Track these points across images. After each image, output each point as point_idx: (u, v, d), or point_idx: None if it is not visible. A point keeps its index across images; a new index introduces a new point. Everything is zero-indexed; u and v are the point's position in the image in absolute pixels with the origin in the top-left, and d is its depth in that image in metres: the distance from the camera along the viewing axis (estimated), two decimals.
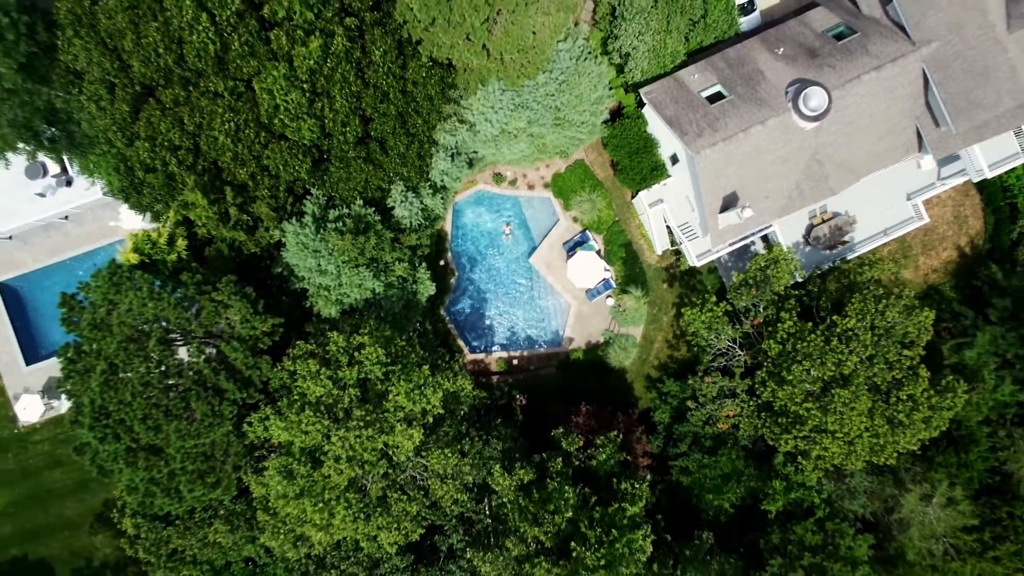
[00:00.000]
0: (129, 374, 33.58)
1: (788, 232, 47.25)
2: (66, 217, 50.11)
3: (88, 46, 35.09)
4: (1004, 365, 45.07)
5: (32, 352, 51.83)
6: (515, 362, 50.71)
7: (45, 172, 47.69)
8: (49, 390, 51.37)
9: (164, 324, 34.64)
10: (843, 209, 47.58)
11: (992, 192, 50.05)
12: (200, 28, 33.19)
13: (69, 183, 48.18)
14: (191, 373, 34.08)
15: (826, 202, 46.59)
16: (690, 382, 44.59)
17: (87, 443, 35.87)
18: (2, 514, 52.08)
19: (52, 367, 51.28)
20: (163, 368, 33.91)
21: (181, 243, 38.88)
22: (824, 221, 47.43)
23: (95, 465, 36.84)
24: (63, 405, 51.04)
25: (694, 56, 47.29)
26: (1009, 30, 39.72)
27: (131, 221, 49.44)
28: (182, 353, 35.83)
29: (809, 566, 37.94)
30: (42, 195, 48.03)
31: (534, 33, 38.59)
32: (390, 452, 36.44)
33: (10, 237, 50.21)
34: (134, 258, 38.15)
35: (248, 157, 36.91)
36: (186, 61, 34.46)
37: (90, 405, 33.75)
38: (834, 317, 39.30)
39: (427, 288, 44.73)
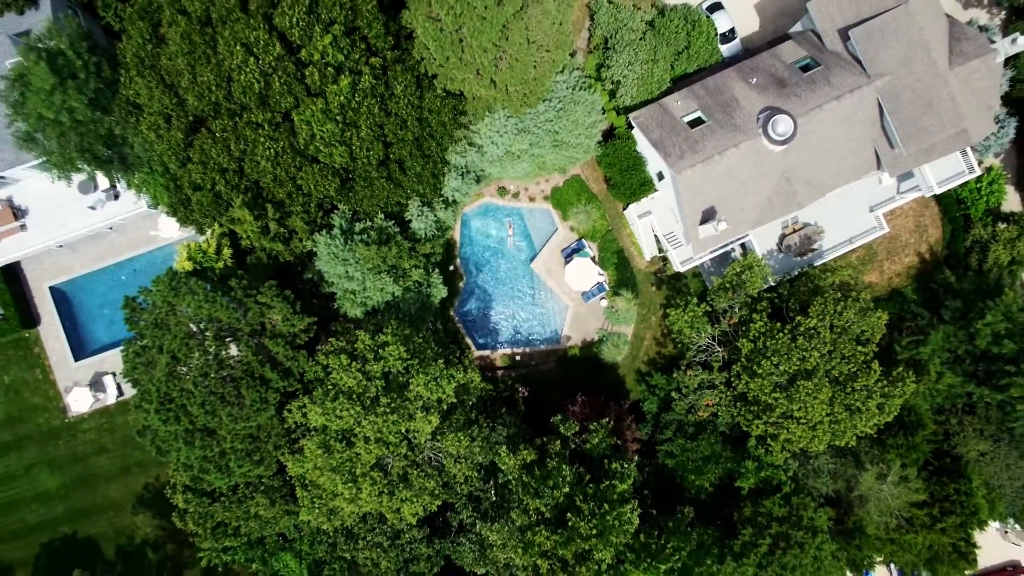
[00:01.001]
0: (189, 366, 39.46)
1: (763, 241, 53.15)
2: (111, 227, 55.92)
3: (149, 84, 40.95)
4: (955, 360, 50.86)
5: (79, 349, 57.75)
6: (518, 358, 56.61)
7: (96, 187, 53.53)
8: (96, 383, 57.29)
9: (217, 323, 40.50)
10: (812, 220, 53.47)
11: (948, 204, 55.90)
12: (247, 69, 39.05)
13: (116, 197, 54.06)
14: (241, 365, 39.98)
15: (796, 214, 52.47)
16: (675, 375, 50.51)
17: (148, 425, 41.74)
18: (54, 496, 58.01)
19: (97, 363, 57.51)
20: (219, 360, 39.75)
21: (227, 252, 44.82)
22: (795, 231, 53.34)
23: (154, 445, 42.80)
24: (109, 397, 57.12)
25: (678, 82, 53.25)
26: (950, 66, 45.70)
27: (168, 230, 55.58)
28: (231, 348, 41.64)
29: (776, 534, 43.89)
30: (93, 208, 53.91)
31: (535, 68, 44.46)
32: (410, 436, 42.31)
33: (60, 245, 55.88)
34: (188, 266, 44.09)
35: (285, 178, 42.78)
36: (234, 97, 40.32)
37: (156, 392, 39.67)
38: (799, 317, 45.19)
39: (439, 291, 50.64)
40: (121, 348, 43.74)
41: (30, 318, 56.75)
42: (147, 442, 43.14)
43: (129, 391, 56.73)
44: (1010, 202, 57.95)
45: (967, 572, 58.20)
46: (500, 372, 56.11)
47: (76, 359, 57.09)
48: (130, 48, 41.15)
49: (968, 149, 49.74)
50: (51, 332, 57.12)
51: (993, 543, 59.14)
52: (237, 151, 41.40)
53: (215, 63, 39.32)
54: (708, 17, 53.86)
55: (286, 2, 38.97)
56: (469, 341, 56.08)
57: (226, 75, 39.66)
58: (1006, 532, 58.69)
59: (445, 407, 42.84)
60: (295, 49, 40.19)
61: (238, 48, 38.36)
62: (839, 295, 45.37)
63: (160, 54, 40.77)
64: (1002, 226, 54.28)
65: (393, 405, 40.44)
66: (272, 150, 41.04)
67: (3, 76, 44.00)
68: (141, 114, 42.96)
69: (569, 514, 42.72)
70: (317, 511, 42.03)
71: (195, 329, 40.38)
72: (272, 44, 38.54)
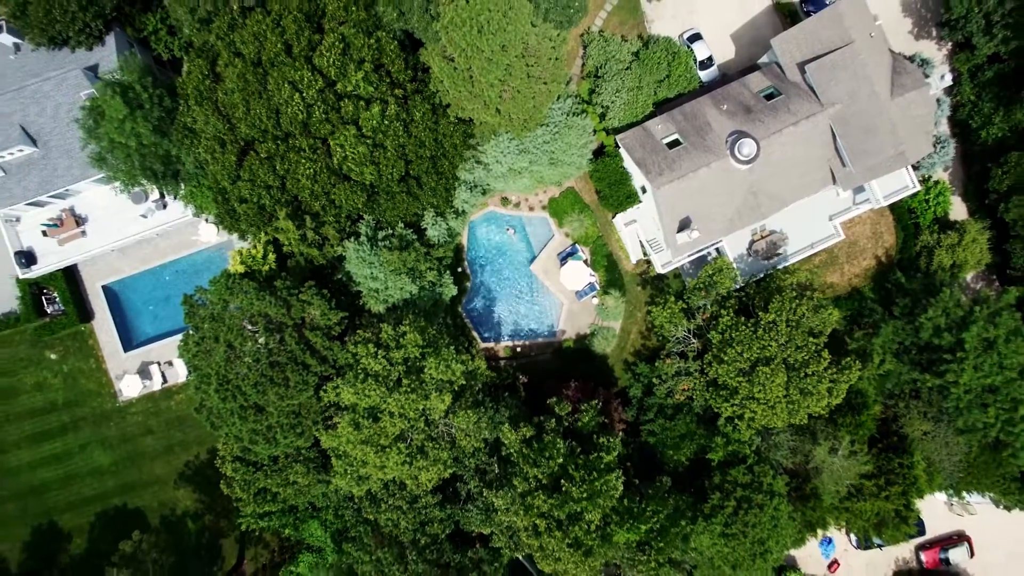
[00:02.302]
0: (243, 353, 47.65)
1: (734, 246, 61.38)
2: (158, 233, 64.03)
3: (207, 113, 49.13)
4: (903, 350, 58.97)
5: (128, 341, 65.95)
6: (518, 349, 64.82)
7: (147, 198, 61.70)
8: (143, 371, 65.44)
9: (266, 317, 48.66)
10: (778, 228, 61.68)
11: (901, 213, 64.13)
12: (293, 102, 47.21)
13: (165, 206, 62.34)
14: (286, 352, 48.13)
15: (763, 223, 60.69)
16: (656, 364, 58.73)
17: (204, 404, 49.93)
18: (106, 472, 66.19)
19: (143, 354, 65.75)
20: (268, 348, 47.91)
21: (271, 257, 52.99)
22: (763, 238, 61.57)
23: (209, 421, 51.01)
24: (155, 384, 65.29)
25: (660, 107, 61.42)
26: (892, 97, 53.96)
27: (207, 236, 63.98)
28: (277, 337, 49.77)
29: (740, 498, 52.07)
30: (144, 216, 62.14)
31: (534, 99, 52.67)
32: (427, 413, 50.44)
33: (112, 250, 63.97)
34: (241, 269, 52.24)
35: (321, 193, 50.95)
36: (281, 125, 48.47)
37: (215, 375, 47.84)
38: (761, 313, 53.39)
39: (450, 290, 58.81)
40: (181, 339, 51.89)
41: (85, 313, 64.88)
42: (203, 418, 51.32)
43: (172, 379, 65.21)
44: (957, 211, 66.10)
45: (916, 541, 67.04)
46: (503, 362, 64.30)
47: (125, 350, 65.25)
48: (191, 83, 49.31)
49: (910, 167, 57.89)
50: (103, 326, 65.25)
51: (941, 516, 67.45)
52: (281, 171, 49.57)
53: (266, 97, 47.47)
54: (687, 48, 62.07)
55: (324, 45, 47.22)
56: (475, 334, 64.27)
57: (275, 107, 47.81)
58: (951, 505, 66.88)
59: (456, 388, 50.91)
60: (332, 83, 48.32)
61: (286, 85, 46.53)
62: (794, 294, 53.49)
63: (217, 88, 48.92)
64: (946, 233, 62.32)
65: (412, 386, 48.59)
66: (311, 169, 49.19)
67: (81, 106, 52.19)
68: (197, 138, 51.08)
69: (563, 481, 50.77)
70: (349, 478, 50.17)
71: (247, 322, 48.50)
72: (314, 80, 46.70)
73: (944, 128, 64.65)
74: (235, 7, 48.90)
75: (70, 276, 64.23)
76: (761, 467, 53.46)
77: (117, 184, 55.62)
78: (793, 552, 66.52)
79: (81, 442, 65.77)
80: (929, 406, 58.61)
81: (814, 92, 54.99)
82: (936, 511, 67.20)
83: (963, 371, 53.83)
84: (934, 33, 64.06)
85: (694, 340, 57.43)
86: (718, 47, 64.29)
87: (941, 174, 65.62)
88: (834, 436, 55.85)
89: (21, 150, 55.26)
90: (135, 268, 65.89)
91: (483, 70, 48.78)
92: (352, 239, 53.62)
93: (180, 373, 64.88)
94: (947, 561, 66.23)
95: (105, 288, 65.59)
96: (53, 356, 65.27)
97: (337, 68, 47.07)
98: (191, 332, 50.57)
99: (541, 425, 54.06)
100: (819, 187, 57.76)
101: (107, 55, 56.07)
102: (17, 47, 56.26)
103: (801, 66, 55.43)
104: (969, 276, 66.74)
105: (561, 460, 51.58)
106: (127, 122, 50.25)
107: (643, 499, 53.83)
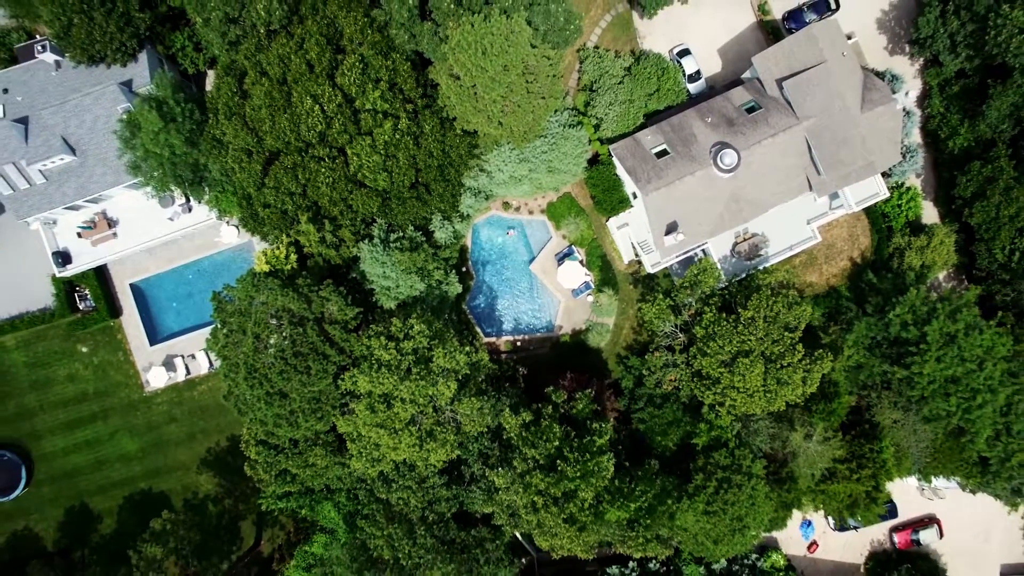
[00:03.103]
0: (269, 344, 53.22)
1: (719, 248, 66.92)
2: (182, 235, 69.52)
3: (235, 127, 54.65)
4: (875, 344, 64.40)
5: (153, 335, 71.49)
6: (518, 343, 70.37)
7: (173, 201, 67.25)
8: (168, 364, 70.96)
9: (289, 311, 54.19)
10: (760, 231, 67.19)
11: (875, 217, 69.65)
12: (314, 116, 52.73)
13: (190, 210, 67.88)
14: (308, 343, 53.66)
15: (745, 226, 66.20)
16: (646, 357, 64.18)
17: (232, 391, 55.50)
18: (133, 458, 71.75)
19: (168, 347, 71.30)
20: (292, 340, 53.44)
21: (292, 257, 58.53)
22: (745, 240, 67.11)
23: (236, 407, 56.53)
24: (179, 375, 70.77)
25: (650, 118, 66.93)
26: (862, 111, 59.49)
27: (228, 238, 69.51)
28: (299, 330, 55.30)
29: (720, 478, 57.58)
30: (171, 219, 67.67)
31: (533, 112, 58.16)
32: (435, 399, 55.95)
33: (140, 250, 69.47)
34: (266, 268, 57.76)
35: (338, 199, 56.48)
36: (302, 137, 54.00)
37: (244, 364, 53.39)
38: (741, 309, 58.91)
39: (455, 288, 64.31)
40: (209, 332, 57.43)
41: (114, 309, 70.50)
42: (231, 404, 56.86)
43: (195, 371, 70.75)
44: (930, 216, 71.62)
45: (890, 523, 72.57)
46: (504, 355, 69.87)
47: (151, 344, 70.83)
48: (221, 99, 54.84)
49: (880, 174, 63.47)
50: (131, 321, 70.84)
51: (913, 500, 73.00)
52: (303, 179, 55.12)
53: (290, 112, 52.99)
54: (676, 64, 67.61)
55: (345, 65, 52.80)
56: (478, 329, 69.83)
57: (297, 120, 53.31)
58: (922, 490, 72.43)
59: (460, 377, 56.39)
60: (351, 99, 53.84)
61: (308, 100, 52.07)
62: (770, 292, 58.99)
63: (245, 104, 54.44)
64: (916, 236, 67.81)
65: (421, 373, 54.13)
66: (330, 177, 54.74)
67: (119, 119, 57.74)
68: (224, 149, 56.61)
69: (558, 462, 56.28)
70: (364, 459, 55.71)
71: (271, 316, 54.02)
72: (335, 96, 52.23)
73: (916, 138, 70.26)
74: (261, 31, 54.38)
75: (101, 275, 69.78)
76: (741, 451, 58.97)
77: (149, 189, 61.09)
78: (775, 534, 72.18)
79: (110, 430, 71.30)
80: (899, 396, 63.96)
81: (791, 106, 60.47)
82: (908, 495, 72.74)
83: (926, 363, 59.16)
84: (907, 49, 69.55)
85: (681, 335, 62.95)
86: (706, 61, 69.85)
87: (913, 180, 71.19)
88: (809, 423, 61.37)
89: (62, 159, 60.77)
90: (160, 267, 71.41)
91: (486, 88, 54.29)
92: (366, 241, 59.15)
93: (202, 365, 70.48)
94: (918, 542, 71.76)
95: (133, 286, 71.11)
96: (84, 349, 70.78)
97: (357, 86, 52.59)
98: (219, 326, 56.03)
99: (539, 411, 59.56)
100: (796, 194, 63.25)
101: (140, 71, 61.64)
102: (58, 64, 61.79)
103: (779, 82, 60.91)
104: (940, 276, 72.26)
105: (557, 443, 57.10)
106: (161, 134, 55.78)
107: (633, 480, 59.35)
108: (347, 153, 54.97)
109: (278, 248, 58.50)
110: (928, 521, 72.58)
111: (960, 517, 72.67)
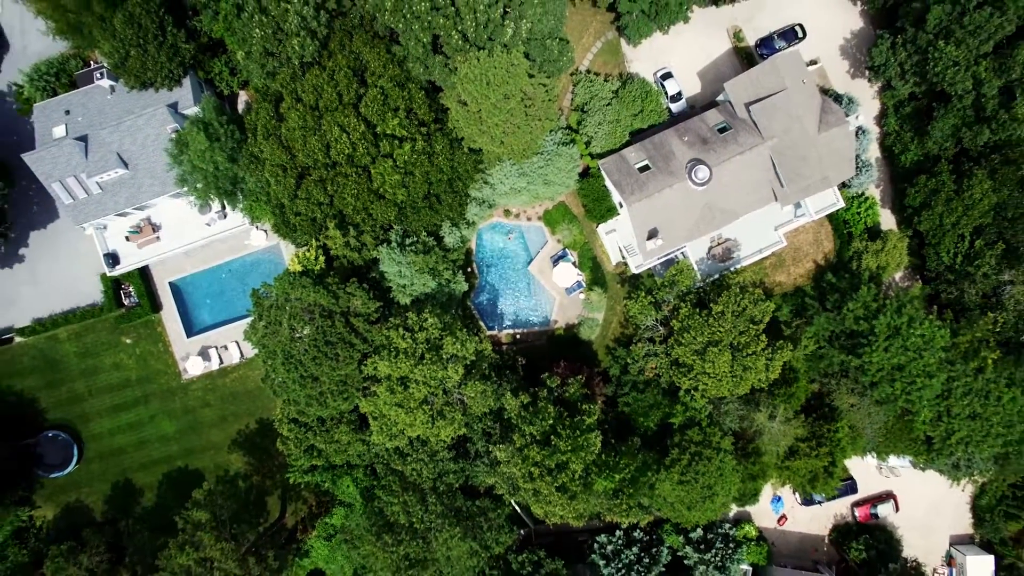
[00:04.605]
0: (303, 334, 63.42)
1: (696, 251, 77.20)
2: (217, 239, 79.61)
3: (272, 146, 64.84)
4: (833, 337, 74.53)
5: (189, 328, 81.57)
6: (517, 336, 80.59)
7: (210, 209, 77.32)
8: (203, 354, 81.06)
9: (320, 306, 64.38)
10: (732, 236, 77.42)
11: (837, 224, 79.91)
12: (342, 139, 62.89)
13: (225, 216, 77.98)
14: (336, 333, 63.85)
15: (720, 232, 76.40)
16: (631, 348, 74.31)
17: (270, 375, 65.74)
18: (171, 438, 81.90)
19: (203, 339, 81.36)
20: (323, 330, 63.62)
21: (321, 259, 68.81)
22: (719, 244, 77.38)
23: (272, 389, 66.81)
24: (213, 364, 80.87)
25: (635, 135, 77.15)
26: (819, 132, 69.76)
27: (257, 241, 79.68)
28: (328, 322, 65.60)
29: (693, 452, 67.87)
30: (208, 224, 77.81)
31: (531, 133, 68.36)
32: (444, 382, 66.03)
33: (180, 252, 79.54)
34: (298, 268, 68.01)
35: (361, 209, 66.69)
36: (331, 157, 64.17)
37: (281, 351, 63.61)
38: (712, 305, 69.09)
39: (461, 286, 74.48)
40: (248, 324, 67.65)
41: (155, 305, 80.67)
42: (268, 386, 67.16)
43: (227, 360, 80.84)
44: (888, 222, 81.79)
45: (851, 498, 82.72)
46: (504, 346, 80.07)
47: (188, 336, 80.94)
48: (260, 121, 65.07)
49: (837, 187, 73.79)
50: (170, 315, 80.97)
51: (872, 477, 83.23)
52: (331, 191, 65.36)
53: (320, 135, 63.18)
54: (660, 86, 77.86)
55: (368, 96, 63.04)
56: (482, 323, 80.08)
57: (326, 143, 63.49)
58: (880, 468, 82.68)
59: (467, 363, 66.44)
60: (372, 126, 64.03)
61: (335, 127, 62.26)
62: (739, 290, 69.16)
63: (281, 126, 64.63)
64: (873, 241, 77.97)
65: (433, 360, 64.26)
66: (355, 190, 64.96)
67: (170, 138, 67.96)
68: (261, 164, 66.79)
69: (552, 437, 66.38)
70: (384, 434, 65.84)
71: (304, 310, 64.20)
72: (359, 124, 62.46)
73: (875, 152, 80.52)
74: (296, 63, 64.54)
75: (144, 274, 79.86)
76: (711, 429, 69.24)
77: (191, 198, 71.23)
78: (748, 508, 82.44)
79: (151, 413, 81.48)
80: (854, 383, 74.18)
81: (757, 127, 70.71)
82: (868, 474, 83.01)
83: (875, 352, 69.39)
84: (866, 73, 79.77)
85: (661, 328, 73.19)
86: (687, 83, 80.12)
87: (873, 191, 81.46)
88: (772, 405, 71.55)
89: (116, 172, 70.95)
90: (196, 267, 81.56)
91: (490, 113, 64.51)
92: (385, 245, 69.39)
93: (234, 355, 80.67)
94: (876, 515, 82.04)
95: (172, 284, 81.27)
96: (128, 340, 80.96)
97: (378, 115, 62.79)
98: (257, 318, 66.18)
99: (536, 394, 69.72)
100: (763, 204, 73.49)
101: (184, 94, 71.86)
102: (112, 88, 72.05)
103: (747, 106, 71.13)
104: (897, 276, 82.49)
105: (551, 421, 67.23)
106: (207, 152, 65.99)
107: (618, 455, 69.58)
108: (370, 171, 65.07)
109: (308, 251, 68.73)
110: (885, 497, 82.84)
111: (914, 493, 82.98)
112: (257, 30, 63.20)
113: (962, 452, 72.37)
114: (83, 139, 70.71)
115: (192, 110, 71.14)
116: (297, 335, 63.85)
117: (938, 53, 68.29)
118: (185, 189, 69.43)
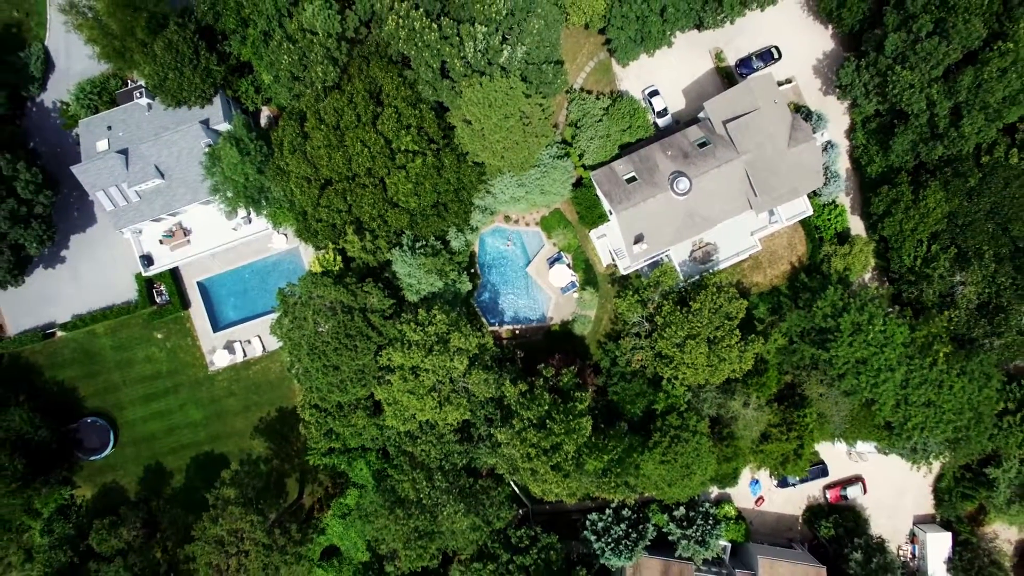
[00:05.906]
0: (325, 327, 72.74)
1: (680, 254, 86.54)
2: (242, 242, 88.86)
3: (298, 160, 74.18)
4: (804, 333, 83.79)
5: (216, 324, 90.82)
6: (516, 332, 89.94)
7: (236, 215, 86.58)
8: (228, 347, 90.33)
9: (340, 303, 73.70)
10: (713, 240, 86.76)
11: (810, 229, 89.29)
12: (363, 154, 72.18)
13: (250, 221, 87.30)
14: (355, 327, 73.18)
15: (701, 237, 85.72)
16: (620, 342, 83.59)
17: (295, 365, 75.10)
18: (198, 425, 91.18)
19: (228, 334, 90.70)
20: (343, 324, 72.93)
21: (339, 260, 78.16)
22: (701, 248, 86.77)
23: (297, 377, 76.12)
24: (238, 357, 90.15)
25: (624, 148, 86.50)
26: (788, 147, 79.13)
27: (278, 244, 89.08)
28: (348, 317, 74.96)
29: (672, 435, 77.23)
30: (235, 229, 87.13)
31: (529, 148, 77.69)
32: (451, 372, 75.29)
33: (208, 254, 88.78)
34: (319, 269, 77.35)
35: (377, 216, 76.06)
36: (353, 171, 73.48)
37: (306, 343, 72.93)
38: (691, 303, 78.40)
39: (465, 286, 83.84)
40: (275, 319, 77.02)
41: (184, 303, 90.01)
42: (294, 375, 76.53)
43: (251, 353, 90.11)
44: (858, 228, 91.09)
45: (823, 481, 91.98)
46: (505, 341, 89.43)
47: (214, 331, 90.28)
48: (286, 137, 74.48)
49: (805, 196, 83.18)
50: (198, 312, 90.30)
51: (843, 462, 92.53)
52: (350, 200, 74.71)
53: (343, 150, 72.49)
54: (647, 104, 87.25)
55: (384, 115, 72.46)
56: (484, 320, 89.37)
57: (348, 157, 72.82)
58: (850, 454, 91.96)
59: (471, 355, 75.69)
60: (388, 141, 73.37)
61: (358, 144, 71.59)
62: (715, 289, 78.43)
63: (306, 143, 73.95)
64: (841, 245, 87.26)
65: (441, 351, 73.53)
66: (372, 200, 74.29)
67: (205, 152, 77.32)
68: (287, 176, 76.11)
69: (548, 421, 75.65)
70: (399, 418, 75.14)
71: (326, 306, 73.53)
72: (377, 141, 71.79)
73: (845, 164, 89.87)
74: (319, 86, 73.87)
75: (174, 274, 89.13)
76: (689, 414, 78.72)
77: (221, 206, 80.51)
78: (728, 490, 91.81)
79: (180, 402, 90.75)
80: (823, 375, 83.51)
81: (733, 143, 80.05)
82: (838, 459, 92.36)
83: (841, 347, 78.67)
84: (837, 92, 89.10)
85: (646, 324, 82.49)
86: (672, 100, 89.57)
87: (843, 199, 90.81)
88: (746, 394, 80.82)
89: (154, 182, 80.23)
90: (222, 268, 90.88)
91: (491, 131, 73.89)
92: (397, 248, 78.79)
93: (257, 349, 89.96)
94: (846, 497, 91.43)
95: (199, 283, 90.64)
96: (159, 335, 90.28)
97: (393, 132, 72.18)
98: (283, 314, 75.46)
99: (533, 383, 79.07)
100: (739, 211, 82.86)
101: (215, 111, 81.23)
102: (149, 106, 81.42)
103: (725, 123, 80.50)
104: (867, 277, 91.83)
105: (547, 407, 76.56)
106: (239, 165, 75.24)
107: (607, 438, 78.90)
108: (386, 182, 74.45)
109: (327, 253, 78.10)
110: (855, 480, 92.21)
111: (881, 477, 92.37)
112: (285, 57, 72.60)
113: (918, 436, 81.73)
114: (124, 152, 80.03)
115: (223, 126, 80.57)
116: (320, 328, 73.18)
117: (896, 76, 77.65)
118: (217, 197, 78.66)
